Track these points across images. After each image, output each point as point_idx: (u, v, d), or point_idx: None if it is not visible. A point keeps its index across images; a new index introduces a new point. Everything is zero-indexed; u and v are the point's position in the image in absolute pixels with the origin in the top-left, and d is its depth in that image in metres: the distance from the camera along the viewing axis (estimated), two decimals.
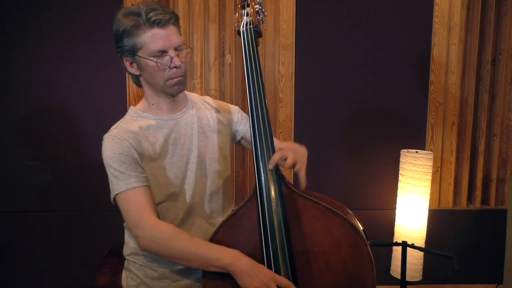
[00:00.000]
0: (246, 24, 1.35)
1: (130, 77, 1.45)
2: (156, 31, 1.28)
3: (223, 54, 2.58)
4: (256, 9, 1.36)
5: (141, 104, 1.44)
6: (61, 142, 2.54)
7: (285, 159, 1.26)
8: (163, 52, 1.29)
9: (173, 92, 1.36)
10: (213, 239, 1.27)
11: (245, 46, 1.34)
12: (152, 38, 1.28)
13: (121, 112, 1.39)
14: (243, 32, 1.35)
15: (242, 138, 1.55)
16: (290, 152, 1.27)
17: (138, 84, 1.42)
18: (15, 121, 2.52)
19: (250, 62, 1.33)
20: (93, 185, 2.53)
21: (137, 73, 1.37)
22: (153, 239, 1.25)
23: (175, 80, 1.33)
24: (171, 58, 1.30)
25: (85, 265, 2.46)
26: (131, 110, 1.42)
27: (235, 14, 1.42)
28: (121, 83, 2.50)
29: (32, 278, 2.61)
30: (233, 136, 1.54)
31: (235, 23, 1.41)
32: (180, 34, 1.36)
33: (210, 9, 2.52)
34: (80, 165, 2.55)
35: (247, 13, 1.35)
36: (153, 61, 1.29)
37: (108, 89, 2.52)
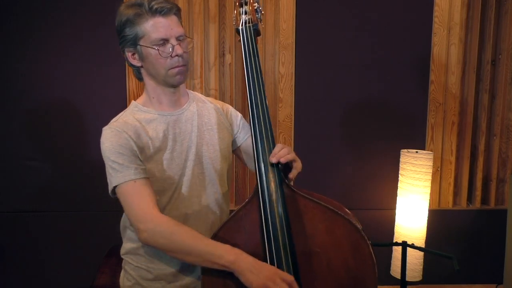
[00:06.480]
0: (245, 23, 1.34)
1: (132, 71, 1.43)
2: (158, 20, 1.29)
3: (223, 54, 2.58)
4: (255, 7, 1.34)
5: (142, 98, 1.43)
6: (61, 142, 2.54)
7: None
8: (165, 41, 1.29)
9: (175, 82, 1.35)
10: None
11: (244, 45, 1.34)
12: (154, 27, 1.29)
13: (121, 111, 1.39)
14: (242, 30, 1.35)
15: (239, 147, 1.54)
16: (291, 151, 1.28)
17: (139, 78, 1.41)
18: (15, 121, 2.52)
19: (250, 61, 1.33)
20: (93, 185, 2.52)
21: (139, 64, 1.36)
22: (155, 232, 1.23)
23: (177, 69, 1.32)
24: (173, 46, 1.30)
25: (85, 265, 2.46)
26: (132, 104, 1.42)
27: (233, 12, 1.41)
28: (121, 82, 2.51)
29: (32, 278, 2.60)
30: (232, 142, 1.53)
31: (233, 21, 1.39)
32: (182, 26, 1.36)
33: (210, 9, 2.52)
34: (80, 165, 2.55)
35: (245, 11, 1.34)
36: (155, 49, 1.29)
37: (108, 88, 2.52)
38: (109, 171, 1.30)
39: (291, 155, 1.26)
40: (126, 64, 2.45)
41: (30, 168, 2.53)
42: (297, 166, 1.29)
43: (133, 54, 1.35)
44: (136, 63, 1.36)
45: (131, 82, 2.51)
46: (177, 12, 1.34)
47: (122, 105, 2.49)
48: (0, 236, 2.57)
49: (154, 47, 1.29)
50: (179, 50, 1.30)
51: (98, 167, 2.55)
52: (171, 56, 1.30)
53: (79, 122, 2.53)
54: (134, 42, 1.31)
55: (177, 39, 1.31)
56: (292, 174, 1.28)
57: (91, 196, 2.54)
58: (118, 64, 2.50)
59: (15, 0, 2.44)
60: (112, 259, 2.17)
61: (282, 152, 1.25)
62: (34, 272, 2.60)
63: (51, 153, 2.55)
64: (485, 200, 2.80)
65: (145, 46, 1.30)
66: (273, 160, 1.24)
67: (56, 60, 2.49)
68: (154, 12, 1.28)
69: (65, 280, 2.60)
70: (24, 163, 2.53)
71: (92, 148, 2.51)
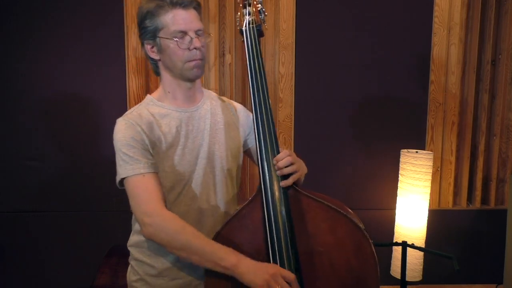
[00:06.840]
0: (249, 23, 1.36)
1: (150, 65, 1.45)
2: (178, 12, 1.32)
3: (223, 54, 2.58)
4: (258, 9, 1.36)
5: (157, 93, 1.44)
6: (61, 142, 2.54)
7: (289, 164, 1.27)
8: (183, 33, 1.32)
9: (191, 75, 1.37)
10: (216, 239, 1.26)
11: (248, 45, 1.36)
12: (174, 18, 1.32)
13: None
14: (246, 31, 1.36)
15: (249, 149, 1.55)
16: (297, 162, 1.29)
17: (157, 72, 1.43)
18: (15, 121, 2.52)
19: (254, 62, 1.35)
20: (94, 185, 2.53)
21: (157, 57, 1.38)
22: (161, 229, 1.24)
23: (194, 62, 1.34)
24: (191, 39, 1.32)
25: (85, 265, 2.46)
26: (147, 98, 1.43)
27: (237, 13, 1.42)
28: (121, 82, 2.51)
29: (32, 278, 2.60)
30: (244, 143, 1.54)
31: (237, 22, 1.42)
32: (201, 22, 1.38)
33: (210, 9, 2.52)
34: (80, 165, 2.55)
35: (249, 12, 1.36)
36: (174, 40, 1.31)
37: (108, 88, 2.52)
38: (119, 162, 1.31)
39: (291, 168, 1.27)
40: (126, 64, 2.49)
41: (30, 168, 2.53)
42: (296, 176, 1.29)
43: (152, 47, 1.37)
44: (155, 56, 1.38)
45: (131, 82, 2.51)
46: (197, 7, 1.37)
47: (122, 105, 2.50)
48: (0, 236, 2.57)
49: (173, 38, 1.31)
50: (197, 43, 1.32)
51: (98, 167, 2.56)
52: (189, 48, 1.32)
53: (79, 122, 2.53)
54: (154, 34, 1.34)
55: (196, 33, 1.33)
56: (292, 179, 1.28)
57: (91, 196, 2.54)
58: (118, 64, 2.50)
59: (15, 0, 2.44)
60: (112, 259, 2.17)
61: (282, 163, 1.26)
62: (34, 272, 2.60)
63: (51, 153, 2.55)
64: (485, 200, 2.80)
65: (164, 38, 1.32)
66: (278, 173, 1.27)
67: (56, 60, 2.49)
68: (175, 4, 1.31)
69: (65, 280, 2.60)
70: (24, 163, 2.53)
71: (92, 148, 2.51)
